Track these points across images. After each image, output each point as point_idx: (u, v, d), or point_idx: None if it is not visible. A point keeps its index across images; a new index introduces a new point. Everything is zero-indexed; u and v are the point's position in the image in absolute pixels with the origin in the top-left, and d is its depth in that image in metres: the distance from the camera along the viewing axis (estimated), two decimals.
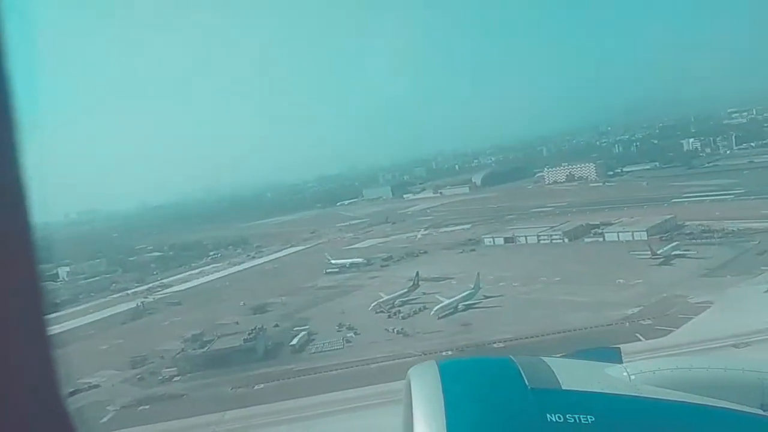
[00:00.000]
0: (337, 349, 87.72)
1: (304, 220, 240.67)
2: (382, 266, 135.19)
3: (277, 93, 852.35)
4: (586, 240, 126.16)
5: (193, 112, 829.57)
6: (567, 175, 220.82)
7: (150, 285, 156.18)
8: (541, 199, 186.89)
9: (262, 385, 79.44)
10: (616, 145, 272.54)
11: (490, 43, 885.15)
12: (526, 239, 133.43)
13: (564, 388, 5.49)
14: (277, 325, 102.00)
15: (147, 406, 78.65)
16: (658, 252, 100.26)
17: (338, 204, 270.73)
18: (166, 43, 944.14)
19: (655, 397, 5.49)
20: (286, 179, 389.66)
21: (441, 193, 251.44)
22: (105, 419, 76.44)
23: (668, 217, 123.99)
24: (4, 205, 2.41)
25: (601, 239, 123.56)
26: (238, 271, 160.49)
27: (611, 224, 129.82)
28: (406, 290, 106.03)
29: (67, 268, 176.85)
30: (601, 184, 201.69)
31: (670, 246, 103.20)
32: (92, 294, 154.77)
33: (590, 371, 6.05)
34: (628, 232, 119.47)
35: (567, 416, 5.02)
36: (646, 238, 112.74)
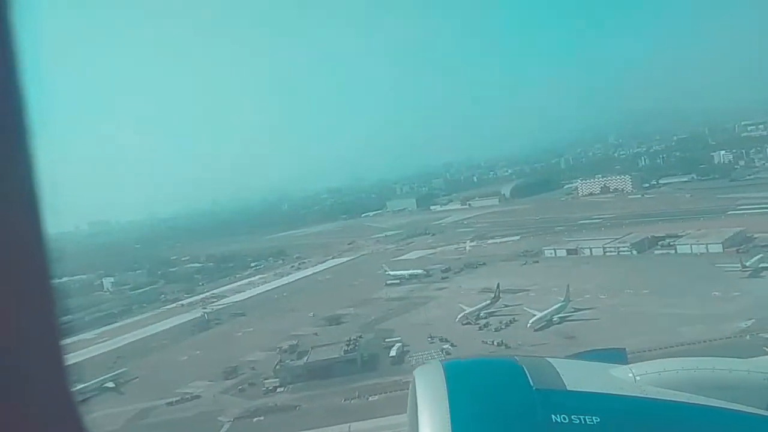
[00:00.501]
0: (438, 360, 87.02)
1: (333, 231, 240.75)
2: (443, 278, 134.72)
3: (285, 106, 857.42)
4: (656, 252, 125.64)
5: (200, 122, 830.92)
6: (602, 187, 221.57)
7: (202, 296, 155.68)
8: (582, 212, 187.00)
9: (375, 397, 78.97)
10: (643, 158, 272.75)
11: (494, 56, 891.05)
12: (590, 251, 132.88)
13: (569, 388, 5.51)
14: (361, 337, 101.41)
15: (262, 418, 77.90)
16: (747, 264, 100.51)
17: (363, 215, 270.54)
18: (177, 55, 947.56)
19: (660, 398, 5.51)
20: (293, 191, 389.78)
21: (469, 204, 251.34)
22: (223, 430, 76.05)
23: (739, 229, 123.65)
24: (19, 214, 2.42)
25: (672, 251, 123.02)
26: (290, 282, 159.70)
27: (679, 236, 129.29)
28: (489, 302, 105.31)
29: (111, 279, 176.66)
30: (639, 196, 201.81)
31: (756, 258, 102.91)
32: (144, 305, 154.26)
33: (595, 372, 6.09)
34: (702, 244, 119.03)
35: (572, 417, 5.05)
36: (722, 251, 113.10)
